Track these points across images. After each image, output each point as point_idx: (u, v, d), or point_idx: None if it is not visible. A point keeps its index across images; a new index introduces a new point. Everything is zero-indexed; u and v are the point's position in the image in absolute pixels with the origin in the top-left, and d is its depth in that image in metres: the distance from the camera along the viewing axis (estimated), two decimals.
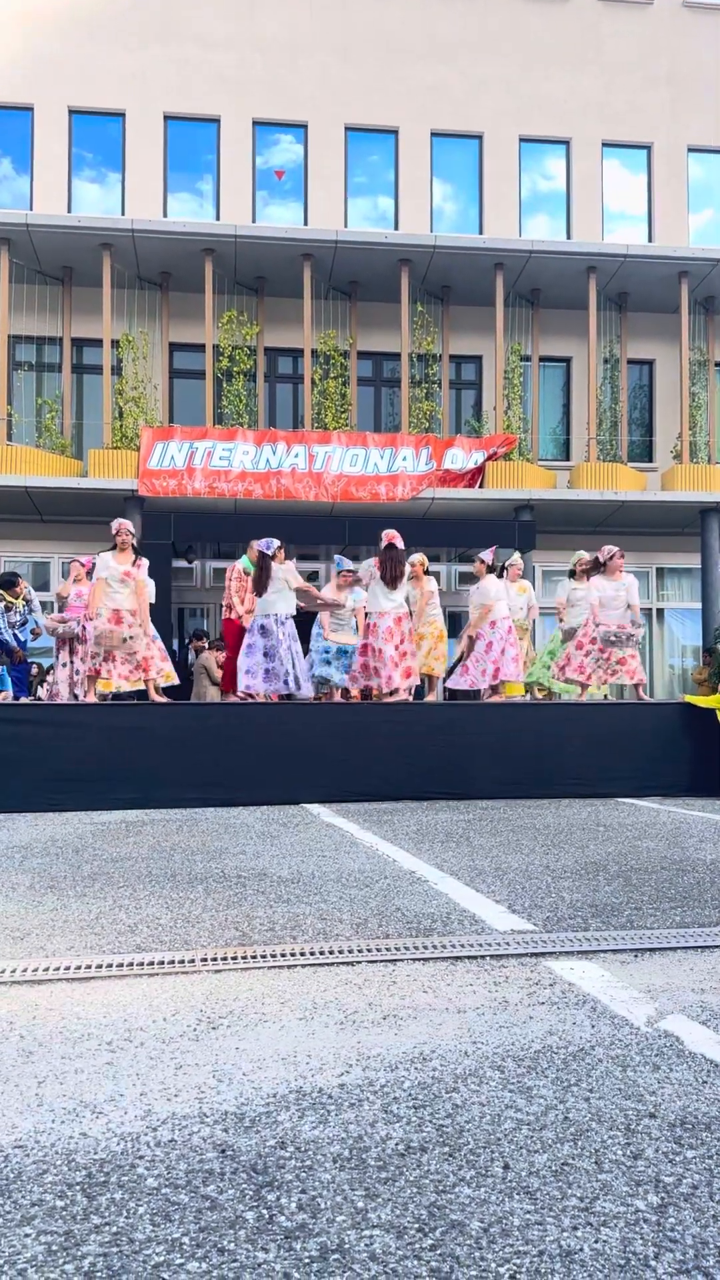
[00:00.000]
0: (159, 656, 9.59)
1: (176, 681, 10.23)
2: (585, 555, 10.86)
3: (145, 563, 9.51)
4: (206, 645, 14.10)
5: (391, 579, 9.45)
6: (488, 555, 10.28)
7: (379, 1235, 1.76)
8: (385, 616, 9.44)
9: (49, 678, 11.77)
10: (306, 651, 10.77)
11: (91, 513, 17.24)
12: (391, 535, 9.65)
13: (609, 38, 20.01)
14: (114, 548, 9.35)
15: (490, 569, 10.25)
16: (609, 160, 20.19)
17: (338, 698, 10.37)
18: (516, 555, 11.82)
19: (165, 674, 9.69)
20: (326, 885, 4.94)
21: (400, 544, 9.65)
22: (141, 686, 9.52)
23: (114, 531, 9.36)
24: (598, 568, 10.18)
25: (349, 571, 10.47)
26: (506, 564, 11.22)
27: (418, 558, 10.81)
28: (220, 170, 19.21)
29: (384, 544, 9.60)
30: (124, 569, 9.20)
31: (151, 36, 18.87)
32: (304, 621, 11.47)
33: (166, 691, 9.93)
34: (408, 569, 9.90)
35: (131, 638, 9.20)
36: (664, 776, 9.21)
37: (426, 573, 10.87)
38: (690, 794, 9.14)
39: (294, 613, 9.60)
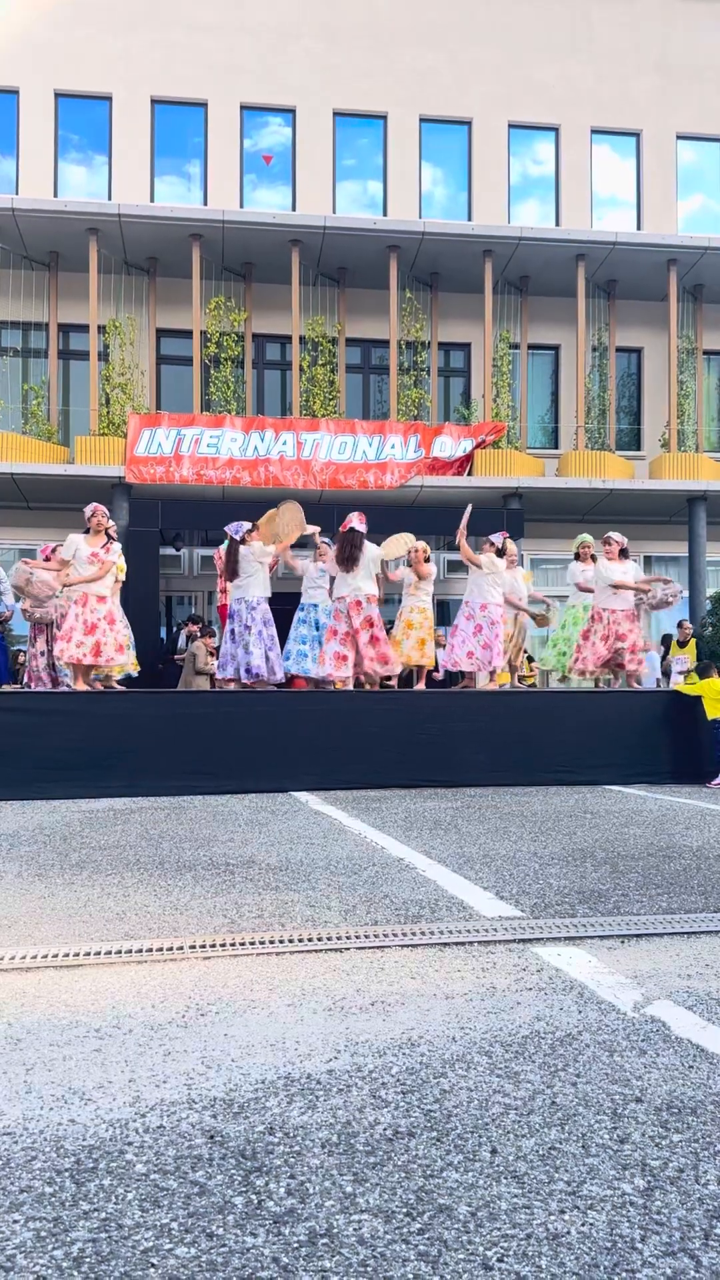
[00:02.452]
0: (114, 645, 9.35)
1: (134, 673, 10.30)
2: (589, 539, 10.89)
3: (116, 546, 9.58)
4: (200, 631, 13.88)
5: (344, 560, 9.21)
6: (497, 538, 10.25)
7: (367, 1220, 1.77)
8: (341, 602, 9.37)
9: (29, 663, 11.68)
10: (285, 642, 10.89)
11: (78, 500, 17.03)
12: (350, 520, 9.36)
13: (599, 24, 19.91)
14: (87, 530, 9.46)
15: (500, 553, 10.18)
16: (598, 147, 20.12)
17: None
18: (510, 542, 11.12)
19: (120, 665, 9.69)
20: (315, 872, 4.94)
21: (359, 526, 9.33)
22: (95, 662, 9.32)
23: (88, 515, 9.50)
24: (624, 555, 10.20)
25: (326, 542, 10.88)
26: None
27: (420, 545, 10.80)
28: (208, 154, 19.05)
29: (344, 526, 9.35)
30: (91, 550, 9.29)
31: (138, 19, 18.67)
32: (285, 613, 11.45)
33: (156, 680, 9.90)
34: (404, 551, 9.87)
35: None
36: (650, 764, 9.25)
37: (425, 560, 10.82)
38: (676, 781, 9.18)
39: (268, 595, 9.58)
